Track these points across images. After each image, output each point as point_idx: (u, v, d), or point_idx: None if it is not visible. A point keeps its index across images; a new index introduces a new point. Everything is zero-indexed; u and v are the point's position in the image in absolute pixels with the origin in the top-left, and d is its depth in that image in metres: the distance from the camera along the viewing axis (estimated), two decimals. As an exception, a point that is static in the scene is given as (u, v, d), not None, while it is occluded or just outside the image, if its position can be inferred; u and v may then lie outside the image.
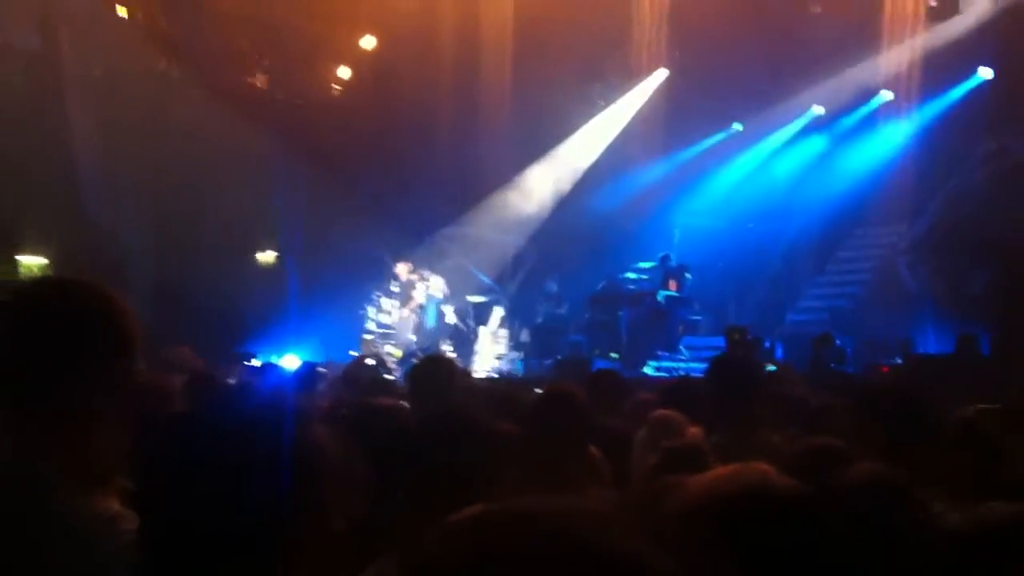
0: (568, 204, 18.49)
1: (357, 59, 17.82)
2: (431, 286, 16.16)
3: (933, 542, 2.45)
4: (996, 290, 14.18)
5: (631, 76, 18.29)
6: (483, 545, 1.07)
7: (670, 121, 17.88)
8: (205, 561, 1.66)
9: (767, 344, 14.31)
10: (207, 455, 1.71)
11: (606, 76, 18.05)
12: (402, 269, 16.12)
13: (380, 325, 16.02)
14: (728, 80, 16.88)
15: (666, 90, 18.18)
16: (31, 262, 15.21)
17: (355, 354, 14.61)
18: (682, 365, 15.07)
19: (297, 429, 1.78)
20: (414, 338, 15.80)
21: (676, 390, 5.52)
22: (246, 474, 1.70)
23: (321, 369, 8.35)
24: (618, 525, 1.09)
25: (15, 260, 14.94)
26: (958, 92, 16.61)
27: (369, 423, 3.32)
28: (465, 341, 16.37)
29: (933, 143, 16.46)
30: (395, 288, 16.09)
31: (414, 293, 16.01)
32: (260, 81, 17.53)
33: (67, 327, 1.96)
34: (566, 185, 18.73)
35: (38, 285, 2.28)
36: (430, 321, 16.17)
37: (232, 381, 6.84)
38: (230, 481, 1.69)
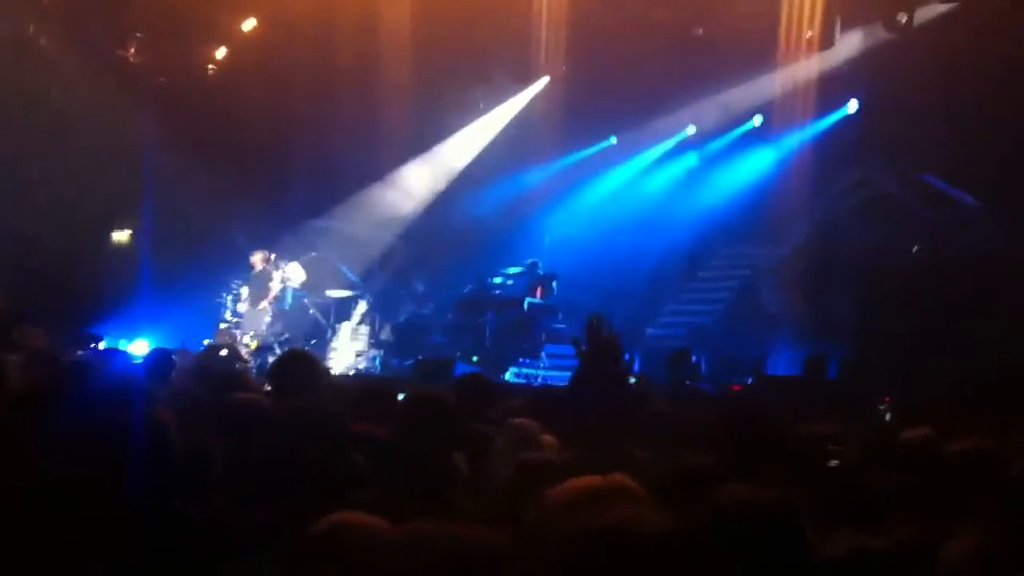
0: (442, 205, 18.38)
1: (237, 40, 17.33)
2: (289, 277, 15.80)
3: (811, 570, 2.43)
4: (851, 315, 14.69)
5: (515, 81, 18.28)
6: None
7: (548, 129, 17.93)
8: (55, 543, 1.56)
9: (627, 356, 14.42)
10: (48, 440, 1.60)
11: (490, 79, 18.01)
12: (257, 258, 15.70)
13: (236, 314, 15.63)
14: (608, 93, 17.01)
15: (547, 98, 18.22)
16: None
17: (208, 342, 14.22)
18: (542, 372, 15.16)
19: (140, 414, 1.68)
20: (269, 330, 15.42)
21: (543, 398, 5.48)
22: (90, 459, 1.60)
23: (172, 357, 8.03)
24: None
25: None
26: (827, 122, 17.11)
27: (226, 417, 3.17)
28: (323, 336, 16.08)
29: (801, 169, 16.89)
30: (254, 276, 15.71)
31: (271, 284, 15.63)
32: (132, 55, 16.88)
33: None
34: (441, 185, 18.60)
35: None
36: (287, 313, 15.83)
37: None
38: (74, 466, 1.59)
